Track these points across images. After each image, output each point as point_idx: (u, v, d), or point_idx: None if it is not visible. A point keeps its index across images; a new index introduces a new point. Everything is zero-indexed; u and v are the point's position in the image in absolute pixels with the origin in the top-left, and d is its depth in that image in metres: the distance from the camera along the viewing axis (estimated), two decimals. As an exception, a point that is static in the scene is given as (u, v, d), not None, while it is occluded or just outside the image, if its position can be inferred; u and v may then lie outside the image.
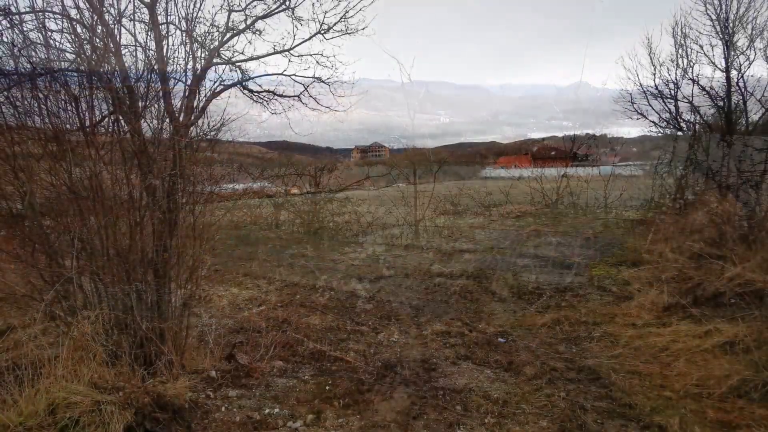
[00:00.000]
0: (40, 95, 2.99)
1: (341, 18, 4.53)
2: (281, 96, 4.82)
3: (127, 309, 2.99)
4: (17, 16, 3.29)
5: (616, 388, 3.29)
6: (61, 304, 2.83)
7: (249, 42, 4.47)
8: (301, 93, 4.87)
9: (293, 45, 4.57)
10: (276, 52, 4.57)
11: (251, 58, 4.48)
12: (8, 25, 3.36)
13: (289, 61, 4.70)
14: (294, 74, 4.76)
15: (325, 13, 4.50)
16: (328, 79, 4.88)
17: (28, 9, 3.35)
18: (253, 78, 4.52)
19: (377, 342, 4.58)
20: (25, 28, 3.44)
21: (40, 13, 3.31)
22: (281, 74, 4.66)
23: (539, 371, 3.63)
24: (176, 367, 3.29)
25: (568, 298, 5.73)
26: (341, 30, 4.57)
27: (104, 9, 3.47)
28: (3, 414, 2.28)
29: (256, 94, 4.69)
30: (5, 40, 3.37)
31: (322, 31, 4.58)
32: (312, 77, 4.82)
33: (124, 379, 2.67)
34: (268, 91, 4.73)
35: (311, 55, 4.68)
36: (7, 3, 3.48)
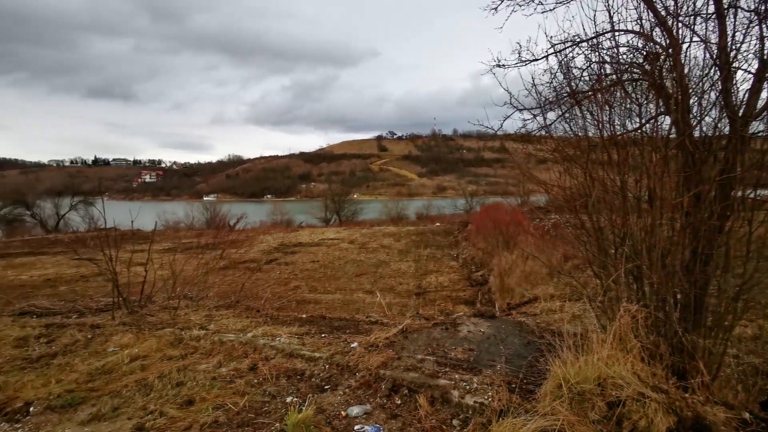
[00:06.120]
0: (605, 107, 3.40)
1: None
2: None
3: (664, 312, 2.96)
4: (590, 41, 3.89)
5: None
6: (605, 294, 3.16)
7: None
8: None
9: None
10: None
11: None
12: (581, 51, 4.03)
13: None
14: None
15: None
16: None
17: (596, 33, 3.89)
18: None
19: None
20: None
21: (608, 33, 3.77)
22: None
23: None
24: (706, 391, 2.95)
25: None
26: None
27: (666, 16, 3.49)
28: (562, 369, 2.82)
29: None
30: (575, 65, 4.09)
31: None
32: None
33: (659, 381, 2.66)
34: None
35: None
36: (575, 33, 4.23)
